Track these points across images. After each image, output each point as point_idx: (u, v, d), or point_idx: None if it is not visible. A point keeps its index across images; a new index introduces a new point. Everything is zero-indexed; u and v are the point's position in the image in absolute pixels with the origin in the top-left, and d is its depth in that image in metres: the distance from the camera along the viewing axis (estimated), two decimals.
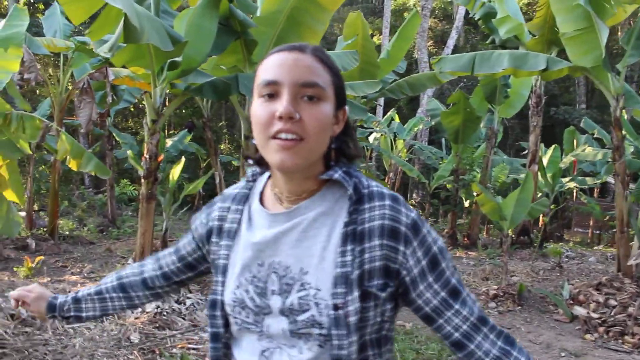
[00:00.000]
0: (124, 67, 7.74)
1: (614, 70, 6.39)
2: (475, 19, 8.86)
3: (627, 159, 7.63)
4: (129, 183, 11.60)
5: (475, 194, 10.54)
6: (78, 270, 6.93)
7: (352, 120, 9.07)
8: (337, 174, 1.07)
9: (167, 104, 6.37)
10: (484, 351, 1.06)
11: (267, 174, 1.19)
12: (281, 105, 0.98)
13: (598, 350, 5.11)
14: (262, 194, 1.17)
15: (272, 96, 1.01)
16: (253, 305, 1.08)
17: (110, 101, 9.08)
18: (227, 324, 1.14)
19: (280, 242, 1.07)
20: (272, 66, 1.02)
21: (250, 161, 1.18)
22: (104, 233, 9.82)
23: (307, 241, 1.06)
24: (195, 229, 1.26)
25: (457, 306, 1.07)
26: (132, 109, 16.21)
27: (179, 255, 1.31)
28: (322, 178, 1.08)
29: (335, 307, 1.00)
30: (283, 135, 0.98)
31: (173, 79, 5.06)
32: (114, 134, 10.69)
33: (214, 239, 1.19)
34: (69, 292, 5.21)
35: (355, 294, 1.00)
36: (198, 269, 1.31)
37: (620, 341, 5.32)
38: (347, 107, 1.11)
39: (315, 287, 1.03)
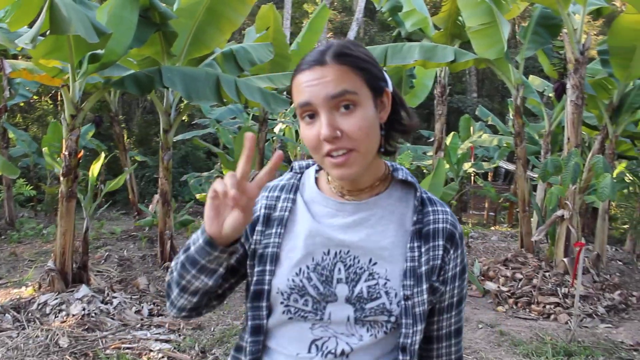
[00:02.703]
0: (15, 58, 7.24)
1: (513, 62, 6.90)
2: (382, 12, 9.15)
3: None
4: (25, 183, 10.86)
5: None
6: None
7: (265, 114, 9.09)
8: (408, 175, 1.15)
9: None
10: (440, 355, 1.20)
11: (314, 166, 1.22)
12: (321, 128, 1.00)
13: (510, 319, 5.56)
14: (317, 184, 1.18)
15: (313, 116, 1.02)
16: (316, 292, 1.08)
17: (8, 95, 8.54)
18: (269, 315, 1.12)
19: (349, 233, 1.10)
20: (301, 88, 1.02)
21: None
22: (3, 237, 9.19)
23: (375, 236, 1.10)
24: None
25: (454, 312, 1.19)
26: (22, 104, 15.14)
27: None
28: (398, 177, 1.14)
29: (406, 298, 1.06)
30: (334, 154, 1.01)
31: (93, 72, 4.85)
32: (10, 131, 9.98)
33: (259, 228, 1.16)
34: None
35: (424, 286, 1.08)
36: (239, 273, 1.21)
37: (527, 310, 5.83)
38: (389, 85, 1.10)
39: (384, 278, 1.07)
